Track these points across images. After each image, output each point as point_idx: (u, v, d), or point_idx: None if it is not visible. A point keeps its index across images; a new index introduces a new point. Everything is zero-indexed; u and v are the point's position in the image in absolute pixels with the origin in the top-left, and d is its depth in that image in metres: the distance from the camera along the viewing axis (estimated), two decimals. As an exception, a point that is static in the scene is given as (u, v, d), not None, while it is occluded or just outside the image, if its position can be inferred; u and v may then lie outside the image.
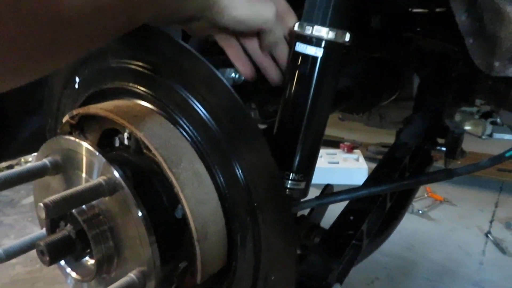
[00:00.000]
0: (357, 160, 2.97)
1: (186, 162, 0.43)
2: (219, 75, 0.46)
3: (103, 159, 0.41)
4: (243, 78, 0.70)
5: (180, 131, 0.45)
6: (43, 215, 0.36)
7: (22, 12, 0.31)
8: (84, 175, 0.45)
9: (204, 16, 0.50)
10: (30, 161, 2.65)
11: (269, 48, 0.62)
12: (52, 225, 0.47)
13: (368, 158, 3.01)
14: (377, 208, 0.63)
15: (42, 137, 1.04)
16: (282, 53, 0.63)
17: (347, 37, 0.60)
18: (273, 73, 0.65)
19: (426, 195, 2.83)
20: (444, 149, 0.94)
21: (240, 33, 0.59)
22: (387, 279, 1.86)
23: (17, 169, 0.44)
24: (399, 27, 0.83)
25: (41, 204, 0.36)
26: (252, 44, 0.61)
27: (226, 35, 0.59)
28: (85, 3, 0.35)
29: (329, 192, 0.63)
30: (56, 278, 1.88)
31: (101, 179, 0.41)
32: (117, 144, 0.50)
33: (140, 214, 0.40)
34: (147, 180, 0.45)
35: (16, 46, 0.33)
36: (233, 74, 0.69)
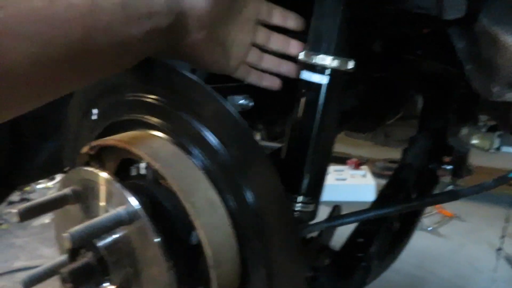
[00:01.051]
0: (364, 176, 2.97)
1: (200, 191, 0.45)
2: (228, 106, 0.48)
3: (123, 190, 0.44)
4: (251, 104, 0.72)
5: (193, 161, 0.48)
6: (68, 245, 0.39)
7: None
8: (103, 204, 0.47)
9: (179, 15, 0.47)
10: (40, 183, 2.68)
11: (263, 45, 0.62)
12: (72, 252, 0.49)
13: (375, 174, 3.01)
14: (385, 230, 0.64)
15: (58, 162, 1.07)
16: (277, 43, 0.62)
17: (351, 64, 0.63)
18: (284, 68, 0.64)
19: (435, 212, 2.81)
20: (450, 167, 0.96)
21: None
22: (397, 297, 1.85)
23: (40, 199, 0.47)
24: (400, 50, 0.86)
25: (67, 235, 0.39)
26: (252, 57, 0.62)
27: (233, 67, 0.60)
28: (32, 59, 0.35)
29: (337, 214, 0.65)
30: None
31: (121, 209, 0.43)
32: (133, 173, 0.52)
33: (157, 241, 0.43)
34: (163, 208, 0.47)
35: None
36: (241, 101, 0.72)
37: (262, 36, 0.60)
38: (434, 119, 0.91)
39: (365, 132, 1.16)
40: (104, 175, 0.46)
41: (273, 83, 0.65)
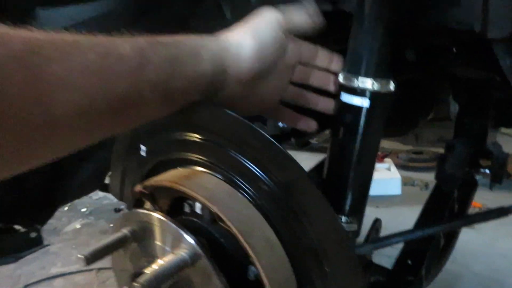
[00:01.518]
0: (389, 169, 2.93)
1: (258, 231, 0.46)
2: (270, 139, 0.48)
3: (184, 233, 0.45)
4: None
5: (248, 199, 0.49)
6: (139, 295, 0.40)
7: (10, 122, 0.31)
8: (162, 245, 0.49)
9: (224, 72, 0.49)
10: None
11: (302, 82, 0.63)
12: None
13: (399, 166, 2.97)
14: (433, 249, 0.64)
15: (95, 181, 1.10)
16: (317, 80, 0.63)
17: (392, 86, 0.62)
18: (322, 105, 0.65)
19: (463, 202, 2.75)
20: (488, 171, 0.94)
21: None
22: (431, 293, 1.84)
23: (102, 242, 0.49)
24: (434, 58, 0.84)
25: (138, 286, 0.40)
26: (288, 95, 0.62)
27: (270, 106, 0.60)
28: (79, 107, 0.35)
29: (383, 236, 0.65)
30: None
31: (184, 252, 0.44)
32: (186, 209, 0.54)
33: (220, 283, 0.44)
34: (220, 246, 0.49)
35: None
36: (280, 123, 0.73)
37: (301, 74, 0.60)
38: (471, 124, 0.90)
39: (397, 137, 1.15)
40: (162, 217, 0.47)
41: (309, 126, 0.65)
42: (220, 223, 0.48)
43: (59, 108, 0.34)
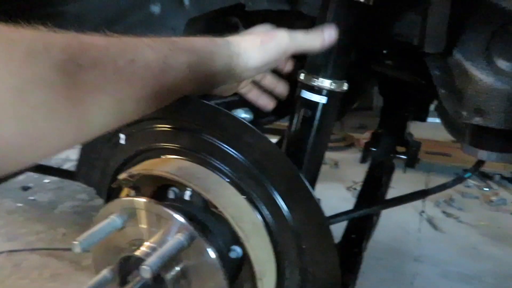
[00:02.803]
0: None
1: (246, 215, 0.52)
2: (248, 124, 0.54)
3: (181, 218, 0.49)
4: (252, 116, 0.79)
5: (235, 188, 0.54)
6: (148, 275, 0.44)
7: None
8: (151, 229, 0.52)
9: (230, 76, 0.57)
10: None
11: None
12: (122, 274, 0.54)
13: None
14: (371, 225, 0.77)
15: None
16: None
17: (345, 86, 0.72)
18: (280, 89, 0.77)
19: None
20: (403, 157, 1.12)
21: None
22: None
23: (96, 227, 0.51)
24: (370, 61, 0.96)
25: (146, 268, 0.44)
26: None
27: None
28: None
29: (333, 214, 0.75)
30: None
31: (180, 236, 0.49)
32: (171, 195, 0.57)
33: (215, 257, 0.50)
34: (205, 228, 0.54)
35: None
36: (243, 115, 0.78)
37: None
38: (395, 117, 1.05)
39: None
40: (159, 205, 0.51)
41: (267, 104, 0.76)
42: (214, 210, 0.52)
43: (93, 111, 0.38)
